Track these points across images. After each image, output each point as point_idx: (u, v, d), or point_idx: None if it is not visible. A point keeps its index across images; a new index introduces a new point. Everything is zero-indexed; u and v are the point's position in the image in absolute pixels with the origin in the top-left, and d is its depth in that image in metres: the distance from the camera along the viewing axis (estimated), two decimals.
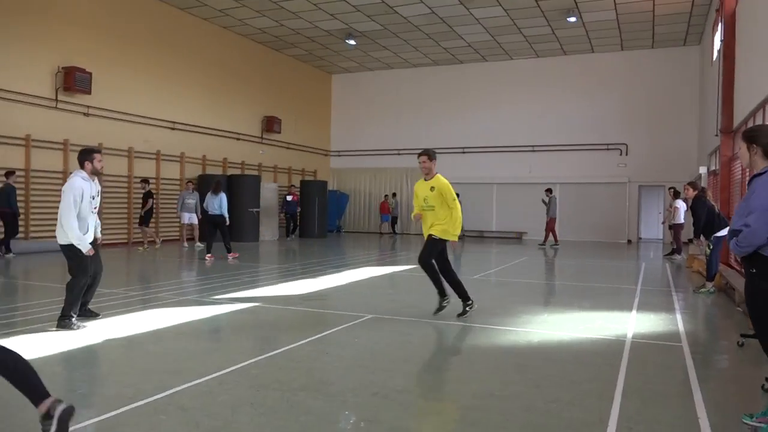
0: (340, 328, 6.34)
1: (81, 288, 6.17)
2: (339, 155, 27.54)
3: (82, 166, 6.26)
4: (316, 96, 26.56)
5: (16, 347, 3.31)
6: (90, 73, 15.55)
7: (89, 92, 15.60)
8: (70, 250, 6.10)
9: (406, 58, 24.39)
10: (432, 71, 25.53)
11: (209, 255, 13.23)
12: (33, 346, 5.25)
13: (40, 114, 14.78)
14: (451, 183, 7.04)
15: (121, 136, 16.94)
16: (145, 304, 7.69)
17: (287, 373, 4.60)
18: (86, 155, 6.27)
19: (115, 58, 16.71)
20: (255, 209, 19.43)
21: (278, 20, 19.80)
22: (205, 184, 17.39)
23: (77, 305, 6.17)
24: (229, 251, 13.41)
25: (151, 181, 17.10)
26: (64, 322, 6.00)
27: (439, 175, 6.98)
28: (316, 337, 5.87)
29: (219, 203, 13.55)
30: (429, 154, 6.95)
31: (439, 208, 6.83)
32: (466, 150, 24.85)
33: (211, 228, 13.80)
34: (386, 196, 25.77)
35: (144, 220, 15.96)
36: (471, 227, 23.65)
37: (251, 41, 22.08)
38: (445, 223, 6.82)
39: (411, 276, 10.99)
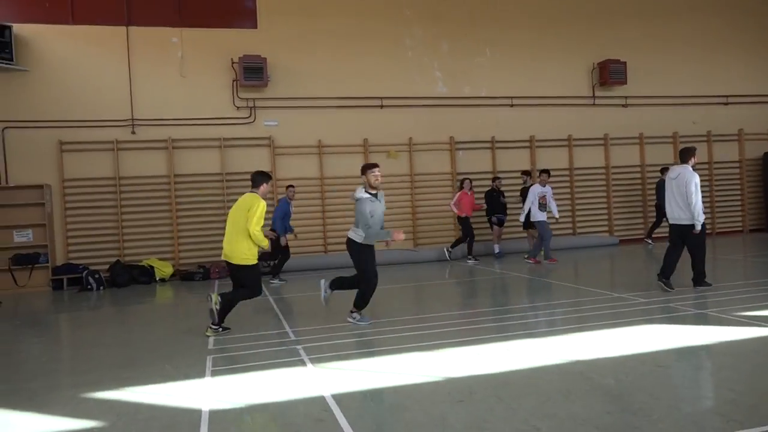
0: None
1: None
2: None
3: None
4: None
5: None
6: (624, 63, 14.99)
7: (625, 82, 15.06)
8: None
9: None
10: None
11: None
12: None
13: (579, 113, 15.15)
14: None
15: (662, 122, 15.69)
16: (662, 315, 6.50)
17: None
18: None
19: (649, 40, 15.60)
20: None
21: None
22: None
23: None
24: None
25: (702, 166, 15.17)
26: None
27: None
28: None
29: None
30: None
31: None
32: None
33: None
34: None
35: None
36: None
37: None
38: None
39: None
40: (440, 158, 14.26)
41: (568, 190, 15.01)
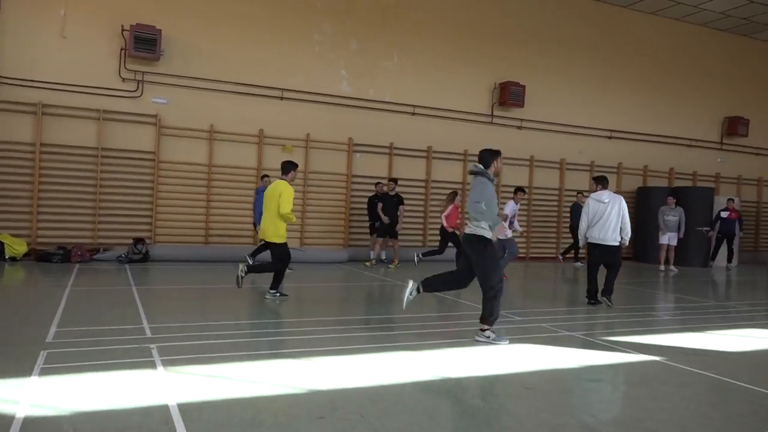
0: None
1: None
2: None
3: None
4: None
5: None
6: (523, 86, 15.50)
7: (522, 105, 15.55)
8: None
9: None
10: None
11: None
12: None
13: (477, 130, 15.44)
14: None
15: (552, 148, 16.39)
16: (542, 334, 6.54)
17: None
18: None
19: (548, 68, 16.26)
20: (705, 228, 16.06)
21: None
22: (644, 198, 15.70)
23: None
24: None
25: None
26: None
27: None
28: None
29: None
30: None
31: None
32: None
33: None
34: None
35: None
36: None
37: (710, 29, 18.59)
38: None
39: None
40: (337, 158, 13.95)
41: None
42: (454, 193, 11.91)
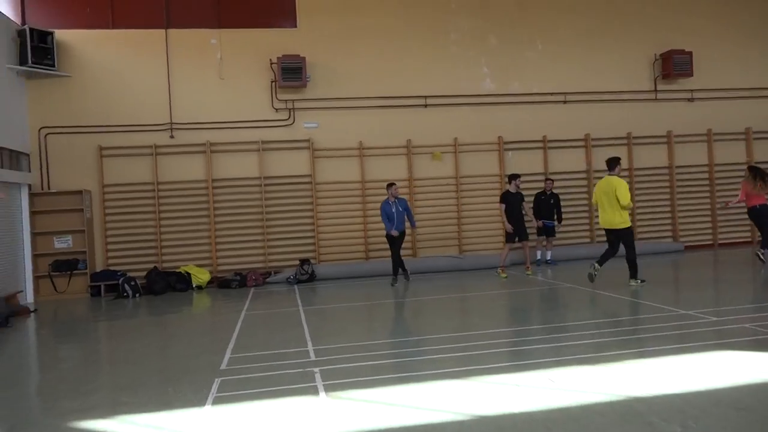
0: None
1: None
2: None
3: None
4: None
5: None
6: (690, 53, 13.79)
7: (691, 74, 13.85)
8: None
9: None
10: None
11: None
12: None
13: (639, 109, 14.04)
14: None
15: (735, 118, 14.37)
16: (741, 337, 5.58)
17: None
18: None
19: (719, 26, 14.33)
20: None
21: None
22: None
23: None
24: None
25: None
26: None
27: None
28: None
29: None
30: None
31: None
32: None
33: None
34: None
35: None
36: None
37: None
38: None
39: None
40: (488, 159, 13.46)
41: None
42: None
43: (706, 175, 14.33)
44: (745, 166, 14.37)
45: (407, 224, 10.86)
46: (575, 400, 4.05)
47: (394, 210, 10.59)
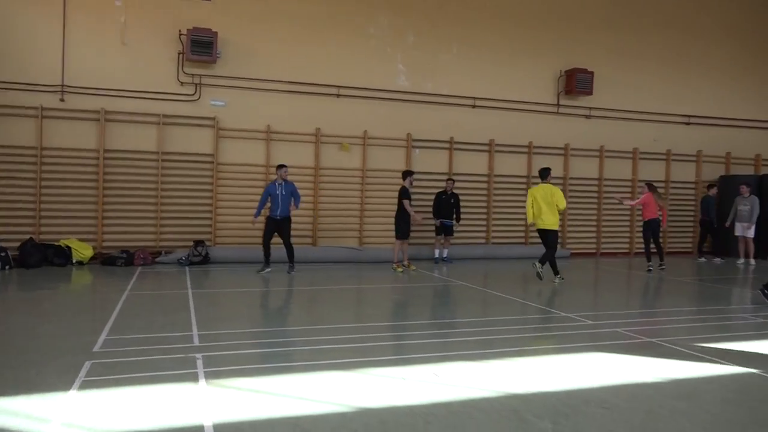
0: None
1: None
2: None
3: None
4: None
5: None
6: (592, 73, 14.61)
7: (590, 92, 14.67)
8: None
9: None
10: None
11: None
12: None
13: (542, 121, 14.70)
14: None
15: (624, 137, 15.39)
16: (604, 342, 5.94)
17: None
18: None
19: (618, 52, 15.27)
20: None
21: None
22: (729, 186, 14.61)
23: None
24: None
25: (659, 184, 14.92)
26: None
27: None
28: None
29: None
30: None
31: None
32: None
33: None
34: None
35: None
36: None
37: None
38: None
39: None
40: (395, 155, 13.56)
41: (524, 199, 14.49)
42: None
43: (596, 188, 15.25)
44: (629, 183, 15.52)
45: (293, 207, 10.61)
46: (457, 395, 4.14)
47: (278, 192, 10.38)
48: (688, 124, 16.03)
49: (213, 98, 12.31)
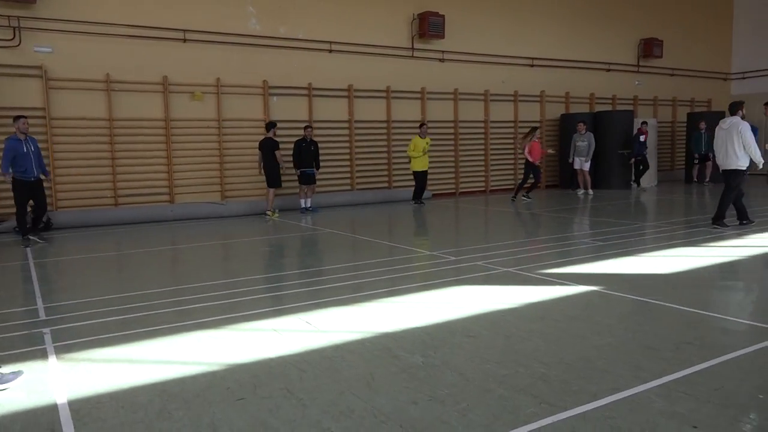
0: (738, 354, 3.73)
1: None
2: (744, 78, 21.58)
3: None
4: (710, 7, 21.15)
5: None
6: (443, 16, 14.88)
7: (443, 36, 14.98)
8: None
9: None
10: None
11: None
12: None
13: (398, 65, 14.82)
14: None
15: (476, 80, 16.03)
16: (471, 274, 6.26)
17: None
18: None
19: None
20: (626, 151, 16.35)
21: None
22: (568, 124, 15.94)
23: None
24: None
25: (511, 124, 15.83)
26: None
27: None
28: (685, 373, 3.45)
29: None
30: None
31: None
32: None
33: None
34: None
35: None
36: None
37: None
38: None
39: None
40: (252, 103, 13.02)
41: (385, 144, 14.74)
42: (534, 129, 13.77)
43: (452, 130, 15.83)
44: (482, 124, 16.29)
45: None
46: (330, 340, 4.15)
47: (26, 150, 8.69)
48: (532, 66, 17.03)
49: (37, 44, 10.91)
